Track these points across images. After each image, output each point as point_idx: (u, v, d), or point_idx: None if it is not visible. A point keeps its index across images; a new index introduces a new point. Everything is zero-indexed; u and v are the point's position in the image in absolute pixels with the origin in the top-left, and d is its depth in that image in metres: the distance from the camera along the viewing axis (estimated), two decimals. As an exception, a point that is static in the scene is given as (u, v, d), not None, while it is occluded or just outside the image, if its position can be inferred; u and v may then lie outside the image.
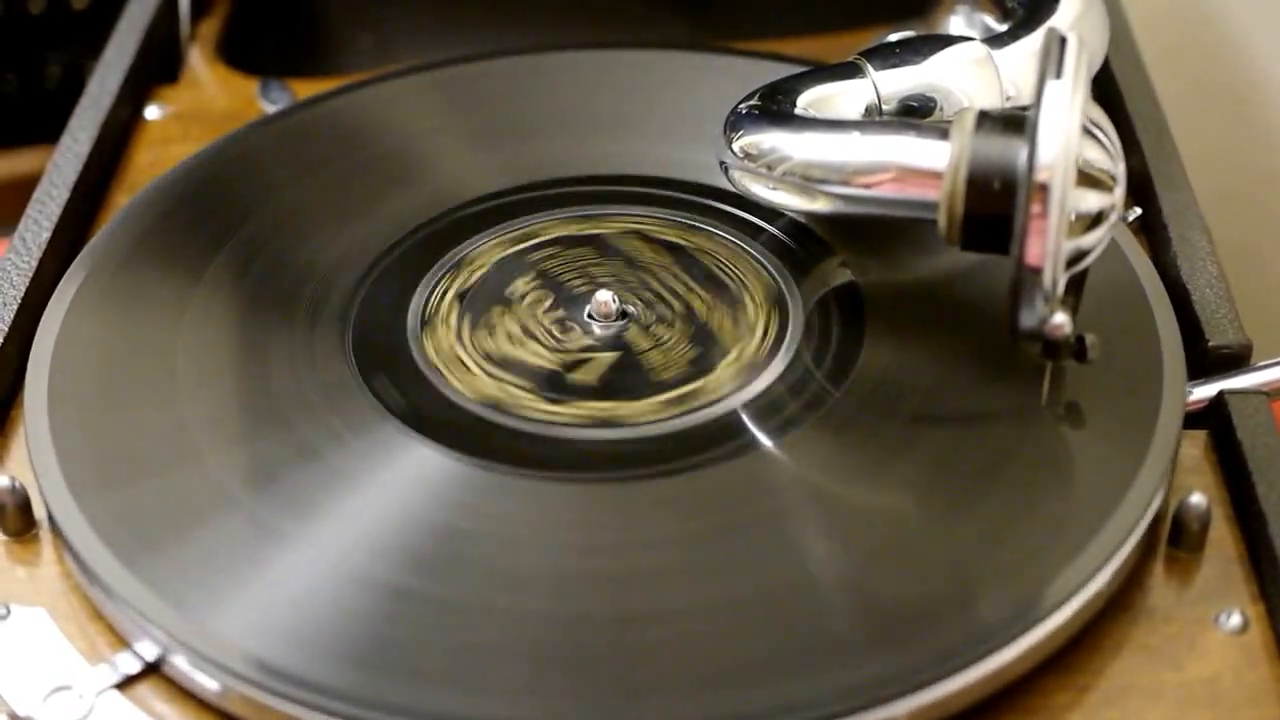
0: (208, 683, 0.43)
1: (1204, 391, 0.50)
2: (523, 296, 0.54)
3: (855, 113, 0.52)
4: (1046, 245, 0.45)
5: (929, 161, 0.48)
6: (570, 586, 0.44)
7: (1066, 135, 0.44)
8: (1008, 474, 0.47)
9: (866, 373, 0.50)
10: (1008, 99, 0.53)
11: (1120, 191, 0.47)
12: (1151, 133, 0.60)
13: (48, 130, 0.67)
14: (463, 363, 0.52)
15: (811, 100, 0.52)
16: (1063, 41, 0.46)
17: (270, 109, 0.67)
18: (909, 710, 0.41)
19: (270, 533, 0.46)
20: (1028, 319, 0.46)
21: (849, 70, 0.53)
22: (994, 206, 0.47)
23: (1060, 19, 0.55)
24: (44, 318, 0.53)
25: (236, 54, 0.72)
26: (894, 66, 0.53)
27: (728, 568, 0.44)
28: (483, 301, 0.54)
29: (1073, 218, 0.46)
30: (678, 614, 0.43)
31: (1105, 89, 0.63)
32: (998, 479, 0.47)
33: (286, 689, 0.42)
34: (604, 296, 0.53)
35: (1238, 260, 0.66)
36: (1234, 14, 0.86)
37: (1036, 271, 0.45)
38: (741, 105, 0.53)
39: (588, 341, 0.52)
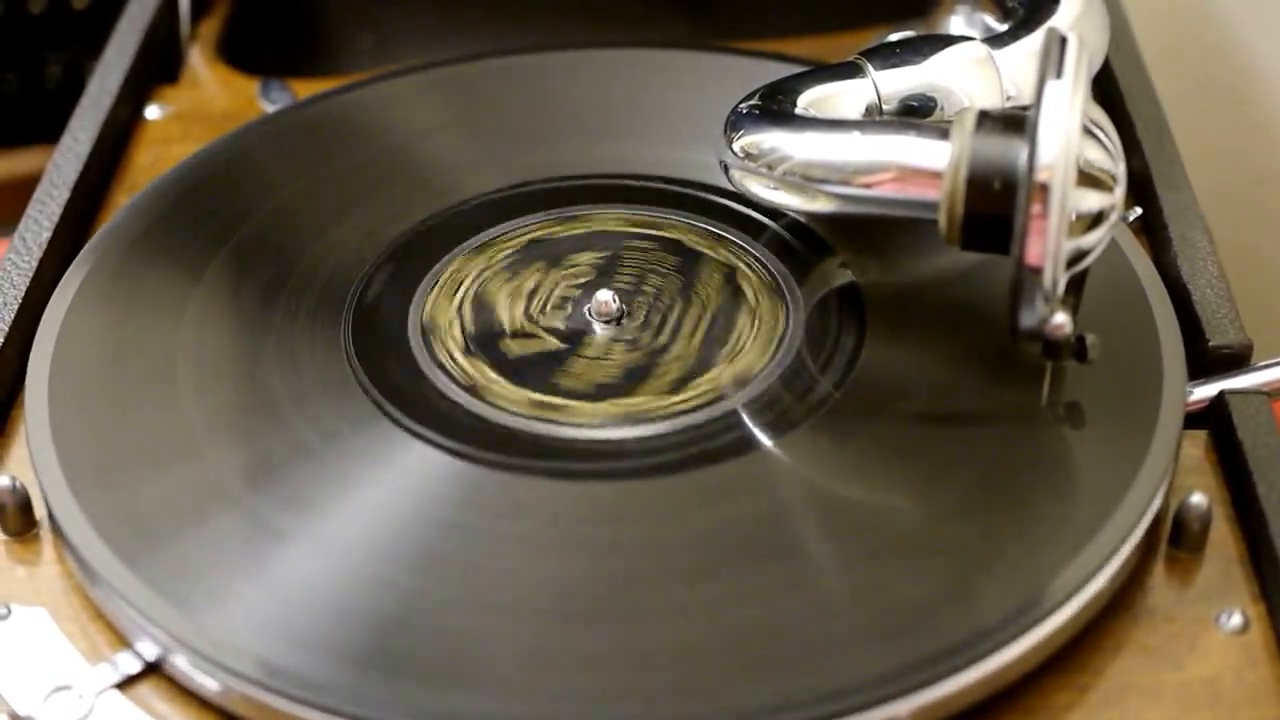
0: (208, 682, 0.43)
1: (1204, 391, 0.50)
2: (531, 293, 0.54)
3: (855, 112, 0.52)
4: (1047, 245, 0.45)
5: (929, 161, 0.48)
6: (571, 585, 0.44)
7: (1067, 135, 0.44)
8: (1008, 474, 0.47)
9: (866, 373, 0.50)
10: (1008, 99, 0.53)
11: (1121, 191, 0.47)
12: (1152, 133, 0.60)
13: (48, 130, 0.67)
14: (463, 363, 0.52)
15: (812, 100, 0.52)
16: (1063, 41, 0.46)
17: (270, 109, 0.67)
18: (909, 710, 0.41)
19: (271, 532, 0.46)
20: (1028, 319, 0.46)
21: (849, 70, 0.53)
22: (994, 206, 0.47)
23: (1060, 19, 0.55)
24: (44, 318, 0.53)
25: (236, 54, 0.72)
26: (894, 66, 0.53)
27: (727, 568, 0.44)
28: (483, 301, 0.54)
29: (1073, 218, 0.45)
30: (677, 614, 0.43)
31: (1105, 89, 0.63)
32: (998, 479, 0.47)
33: (287, 688, 0.42)
34: (604, 296, 0.53)
35: (1238, 260, 0.66)
36: (1234, 14, 0.86)
37: (1037, 271, 0.45)
38: (742, 105, 0.53)
39: (554, 324, 0.52)
